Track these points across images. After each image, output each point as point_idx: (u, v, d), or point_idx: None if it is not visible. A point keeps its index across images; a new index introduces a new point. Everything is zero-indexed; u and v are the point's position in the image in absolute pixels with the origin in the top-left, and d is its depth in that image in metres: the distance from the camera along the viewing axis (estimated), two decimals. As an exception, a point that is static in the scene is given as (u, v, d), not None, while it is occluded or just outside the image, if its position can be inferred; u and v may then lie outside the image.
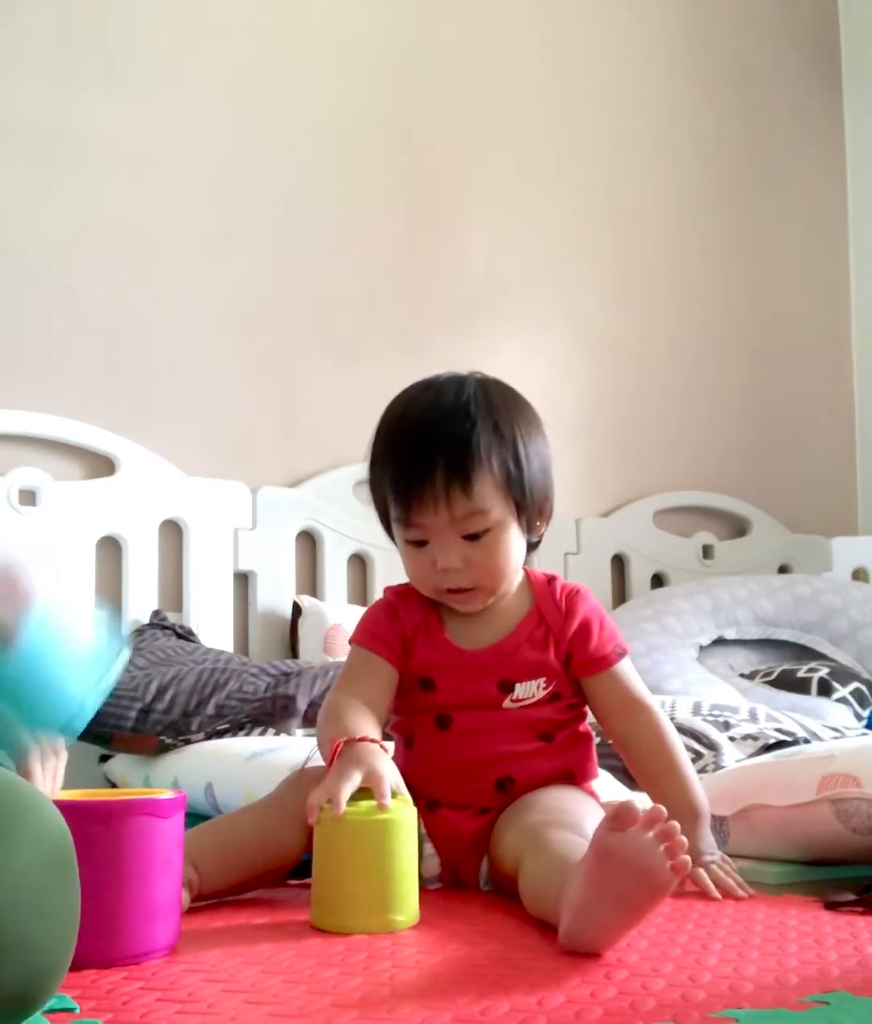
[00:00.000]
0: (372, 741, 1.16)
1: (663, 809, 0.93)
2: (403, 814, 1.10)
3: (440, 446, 1.23)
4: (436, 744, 1.30)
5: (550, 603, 1.31)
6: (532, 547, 1.35)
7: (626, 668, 1.32)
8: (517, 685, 1.28)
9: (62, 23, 2.45)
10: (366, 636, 1.31)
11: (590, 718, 1.35)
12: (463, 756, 1.28)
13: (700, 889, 1.20)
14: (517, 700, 1.28)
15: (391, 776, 1.12)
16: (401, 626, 1.30)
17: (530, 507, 1.27)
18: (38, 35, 2.42)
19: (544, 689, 1.29)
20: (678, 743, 1.29)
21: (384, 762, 1.14)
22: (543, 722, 1.29)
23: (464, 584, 1.26)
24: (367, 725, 1.20)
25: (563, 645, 1.30)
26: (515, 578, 1.30)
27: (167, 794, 0.99)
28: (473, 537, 1.24)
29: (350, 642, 1.33)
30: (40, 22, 2.42)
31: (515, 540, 1.27)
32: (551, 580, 1.34)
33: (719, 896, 1.18)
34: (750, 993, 0.83)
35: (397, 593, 1.34)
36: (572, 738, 1.32)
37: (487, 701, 1.28)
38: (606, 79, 3.21)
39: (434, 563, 1.25)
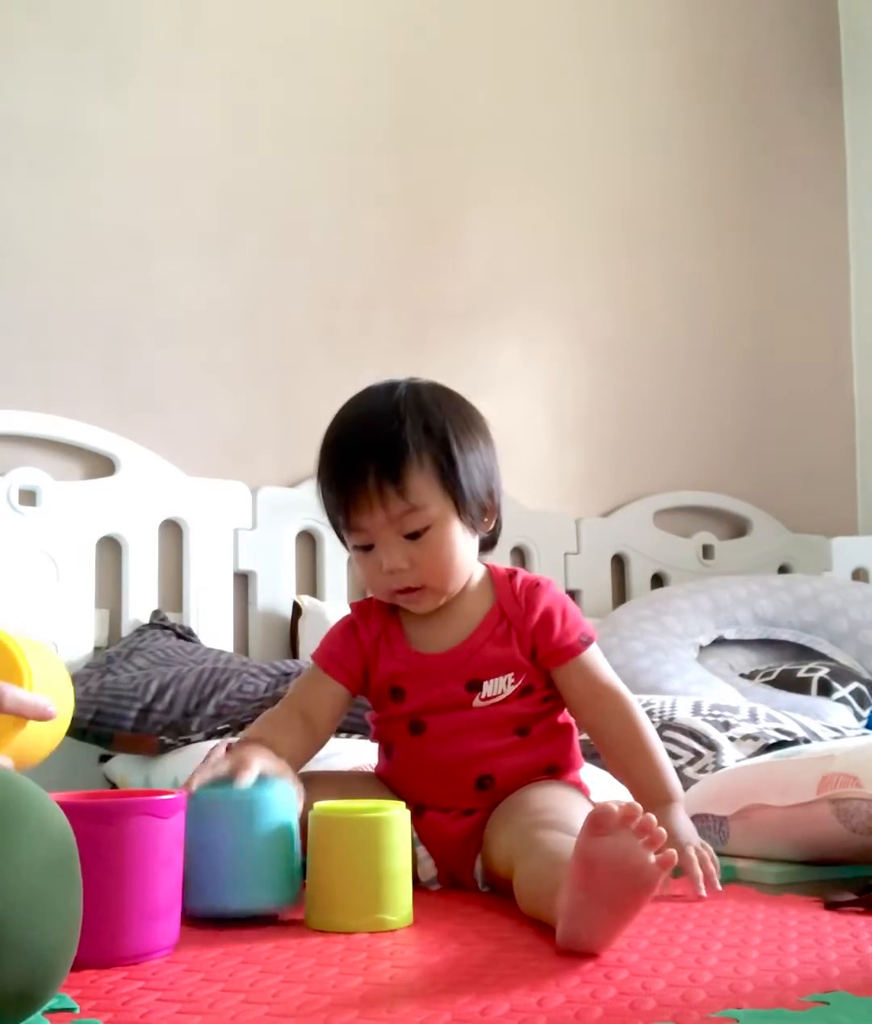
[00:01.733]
0: (264, 744, 1.20)
1: (637, 805, 0.93)
2: (394, 813, 1.10)
3: (370, 447, 1.25)
4: (412, 749, 1.30)
5: (510, 598, 1.31)
6: (488, 545, 1.35)
7: (593, 656, 1.31)
8: (484, 683, 1.28)
9: (63, 23, 2.45)
10: (322, 654, 1.34)
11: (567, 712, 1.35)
12: (440, 759, 1.28)
13: (681, 867, 1.18)
14: (487, 698, 1.28)
15: (262, 763, 1.14)
16: (360, 644, 1.32)
17: (469, 502, 1.27)
18: (39, 35, 2.42)
19: (513, 684, 1.29)
20: (649, 729, 1.29)
21: (258, 753, 1.16)
22: (518, 717, 1.29)
23: (411, 583, 1.27)
24: (279, 732, 1.25)
25: (526, 638, 1.29)
26: (464, 575, 1.30)
27: (168, 794, 0.99)
28: (414, 536, 1.25)
29: (311, 657, 1.36)
30: (41, 22, 2.42)
31: (459, 537, 1.27)
32: (513, 575, 1.34)
33: (699, 875, 1.18)
34: (750, 993, 0.83)
35: (357, 608, 1.36)
36: (550, 730, 1.32)
37: (457, 702, 1.28)
38: (606, 79, 3.21)
39: (380, 566, 1.26)
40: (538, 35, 3.10)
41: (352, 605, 1.37)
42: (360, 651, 1.32)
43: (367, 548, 1.27)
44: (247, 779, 1.11)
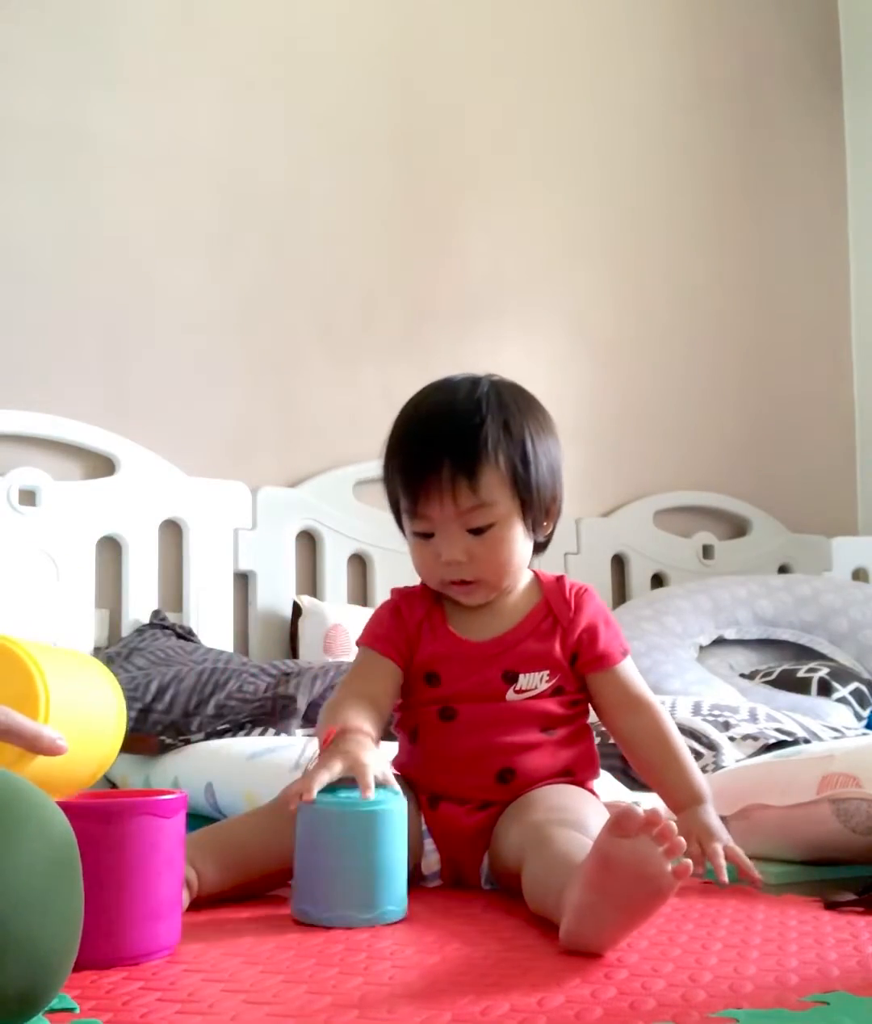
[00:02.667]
0: (363, 733, 1.18)
1: (660, 812, 0.94)
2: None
3: (449, 440, 1.26)
4: (439, 736, 1.30)
5: (560, 598, 1.33)
6: (540, 548, 1.37)
7: (629, 667, 1.34)
8: (521, 676, 1.30)
9: (63, 23, 2.45)
10: (370, 636, 1.34)
11: (591, 718, 1.36)
12: (466, 747, 1.29)
13: (713, 866, 1.20)
14: (520, 691, 1.30)
15: (377, 766, 1.13)
16: (404, 624, 1.33)
17: (536, 506, 1.29)
18: (39, 35, 2.42)
19: (547, 681, 1.30)
20: (679, 736, 1.32)
21: (370, 753, 1.15)
22: (545, 715, 1.30)
23: (466, 576, 1.28)
24: (362, 719, 1.22)
25: (570, 639, 1.31)
26: (518, 575, 1.32)
27: (169, 794, 0.99)
28: (477, 531, 1.27)
29: (358, 644, 1.36)
30: (41, 22, 2.42)
31: (519, 537, 1.29)
32: (560, 579, 1.37)
33: (726, 882, 1.19)
34: (750, 993, 0.83)
35: (401, 594, 1.37)
36: (574, 735, 1.33)
37: (491, 692, 1.29)
38: (607, 79, 3.21)
39: (438, 555, 1.28)
40: (539, 36, 3.10)
41: (394, 591, 1.38)
42: (405, 632, 1.33)
43: (427, 536, 1.29)
44: (371, 790, 1.09)
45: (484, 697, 1.29)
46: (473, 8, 3.01)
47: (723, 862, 1.20)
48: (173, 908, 0.97)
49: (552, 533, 1.36)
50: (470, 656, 1.30)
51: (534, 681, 1.30)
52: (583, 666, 1.32)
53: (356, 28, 2.83)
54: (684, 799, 1.27)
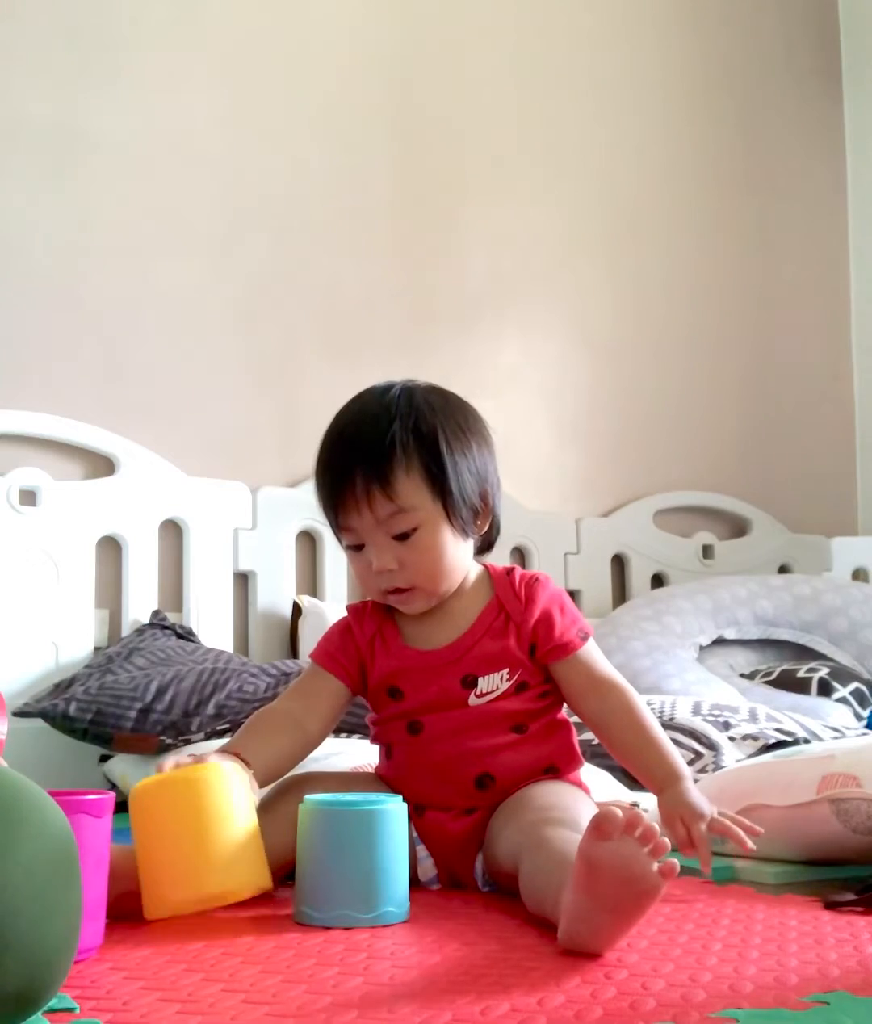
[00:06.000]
0: (235, 757, 1.20)
1: (640, 813, 0.93)
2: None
3: (358, 448, 1.25)
4: (411, 749, 1.30)
5: (509, 592, 1.32)
6: (485, 548, 1.36)
7: (591, 650, 1.32)
8: (480, 679, 1.29)
9: (63, 23, 2.45)
10: (320, 652, 1.35)
11: (565, 709, 1.35)
12: (439, 758, 1.28)
13: (699, 859, 1.19)
14: (482, 695, 1.29)
15: (199, 757, 1.17)
16: (354, 642, 1.33)
17: (459, 506, 1.27)
18: (39, 35, 2.42)
19: (508, 680, 1.29)
20: (651, 717, 1.29)
21: (215, 755, 1.19)
22: (514, 714, 1.29)
23: (401, 584, 1.27)
24: (256, 742, 1.25)
25: (525, 632, 1.30)
26: (455, 577, 1.30)
27: (97, 793, 0.99)
28: (402, 537, 1.26)
29: (309, 656, 1.37)
30: (41, 22, 2.42)
31: (448, 539, 1.27)
32: (510, 571, 1.35)
33: (707, 870, 1.19)
34: (750, 993, 0.83)
35: (353, 610, 1.37)
36: (548, 728, 1.32)
37: (453, 699, 1.29)
38: (606, 79, 3.21)
39: (371, 565, 1.27)
40: (538, 36, 3.10)
41: (348, 608, 1.38)
42: (356, 651, 1.33)
43: (359, 548, 1.28)
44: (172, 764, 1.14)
45: (447, 705, 1.28)
46: (473, 8, 3.01)
47: (710, 853, 1.19)
48: (98, 909, 0.97)
49: (493, 531, 1.34)
50: (427, 666, 1.29)
51: (494, 682, 1.29)
52: (543, 656, 1.30)
53: (356, 28, 2.83)
54: (662, 779, 1.24)
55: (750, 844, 1.19)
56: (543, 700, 1.31)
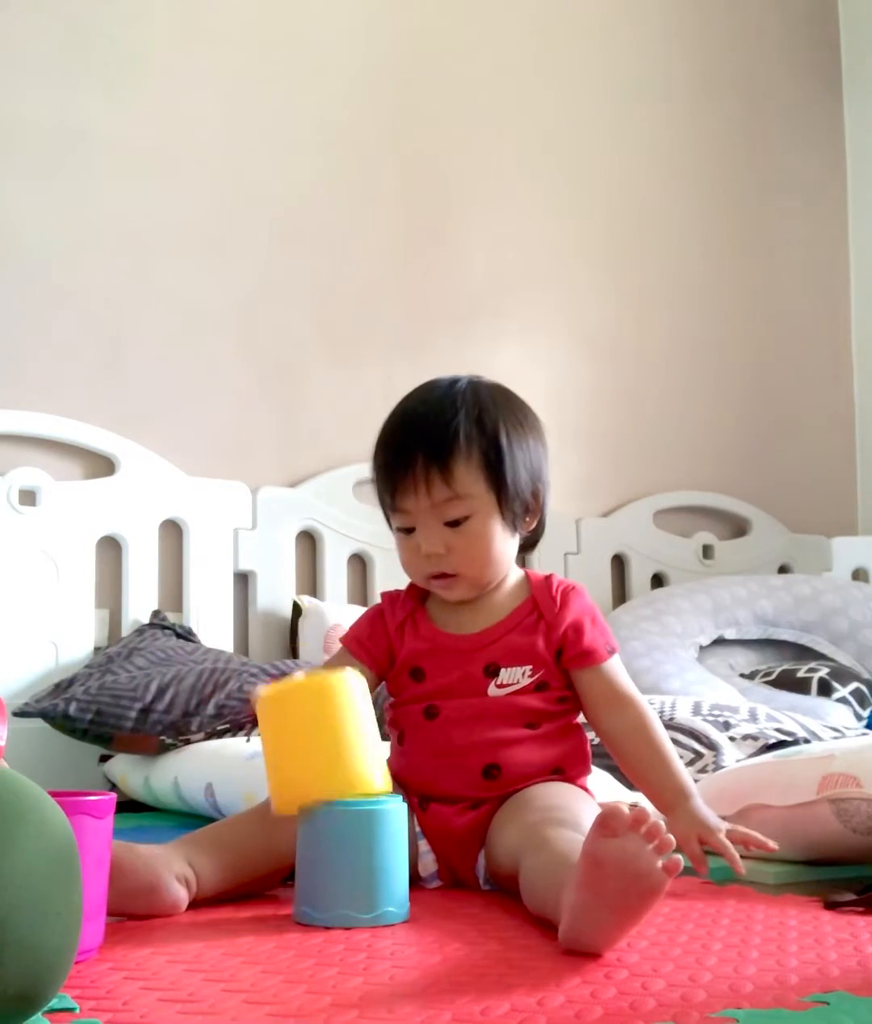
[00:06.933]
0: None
1: (647, 810, 0.93)
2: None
3: (422, 434, 1.29)
4: (424, 734, 1.31)
5: (546, 595, 1.34)
6: (528, 546, 1.38)
7: (616, 665, 1.34)
8: (502, 670, 1.30)
9: (63, 23, 2.45)
10: (348, 637, 1.38)
11: (581, 718, 1.36)
12: (450, 744, 1.30)
13: (726, 859, 1.20)
14: (502, 686, 1.30)
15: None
16: (385, 627, 1.35)
17: (512, 499, 1.30)
18: (39, 35, 2.42)
19: (530, 677, 1.31)
20: (665, 736, 1.31)
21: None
22: (530, 711, 1.31)
23: (446, 569, 1.30)
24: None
25: (555, 634, 1.32)
26: (500, 570, 1.33)
27: (98, 794, 0.99)
28: (455, 524, 1.29)
29: (340, 640, 1.40)
30: (41, 22, 2.42)
31: (498, 531, 1.30)
32: (548, 578, 1.37)
33: (742, 871, 1.19)
34: (750, 993, 0.83)
35: (387, 597, 1.39)
36: (561, 730, 1.33)
37: (473, 687, 1.30)
38: (606, 79, 3.21)
39: (419, 549, 1.30)
40: (539, 37, 3.10)
41: (383, 594, 1.40)
42: (385, 635, 1.35)
43: (409, 531, 1.31)
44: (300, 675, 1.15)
45: (467, 692, 1.30)
46: (473, 9, 3.01)
47: (736, 852, 1.20)
48: (98, 910, 0.97)
49: (539, 531, 1.37)
50: (453, 649, 1.32)
51: (516, 676, 1.30)
52: (568, 662, 1.32)
53: (356, 28, 2.83)
54: (672, 796, 1.26)
55: (772, 844, 1.21)
56: (561, 704, 1.33)
